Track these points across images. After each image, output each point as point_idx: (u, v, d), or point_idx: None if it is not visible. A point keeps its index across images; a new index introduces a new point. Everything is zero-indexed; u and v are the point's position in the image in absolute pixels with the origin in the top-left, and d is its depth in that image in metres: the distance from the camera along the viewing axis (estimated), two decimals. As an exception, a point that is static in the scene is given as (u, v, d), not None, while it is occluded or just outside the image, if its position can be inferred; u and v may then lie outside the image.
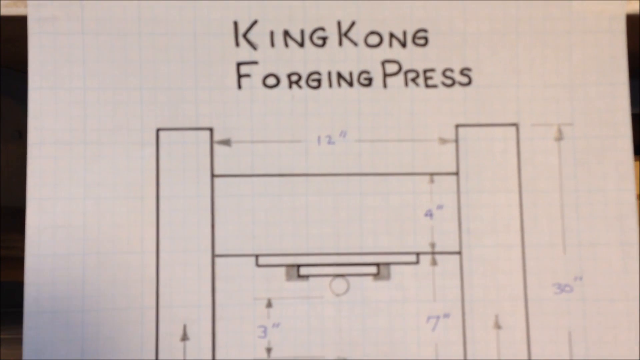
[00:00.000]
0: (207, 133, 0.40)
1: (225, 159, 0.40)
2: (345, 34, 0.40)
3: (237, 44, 0.40)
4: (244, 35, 0.40)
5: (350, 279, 0.39)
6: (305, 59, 0.40)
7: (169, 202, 0.39)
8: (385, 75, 0.40)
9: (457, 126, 0.40)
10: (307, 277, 0.39)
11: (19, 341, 0.38)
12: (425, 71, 0.40)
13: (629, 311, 0.39)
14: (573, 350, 0.38)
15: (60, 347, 0.37)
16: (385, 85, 0.40)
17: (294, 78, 0.40)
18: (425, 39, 0.40)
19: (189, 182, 0.39)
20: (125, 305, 0.38)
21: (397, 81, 0.40)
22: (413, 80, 0.40)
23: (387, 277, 0.39)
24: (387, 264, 0.39)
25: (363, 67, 0.40)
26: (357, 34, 0.40)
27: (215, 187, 0.40)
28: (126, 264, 0.38)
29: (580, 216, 0.39)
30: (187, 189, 0.39)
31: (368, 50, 0.40)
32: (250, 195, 0.40)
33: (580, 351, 0.38)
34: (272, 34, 0.40)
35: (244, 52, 0.40)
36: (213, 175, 0.40)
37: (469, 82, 0.40)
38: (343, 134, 0.40)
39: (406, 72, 0.40)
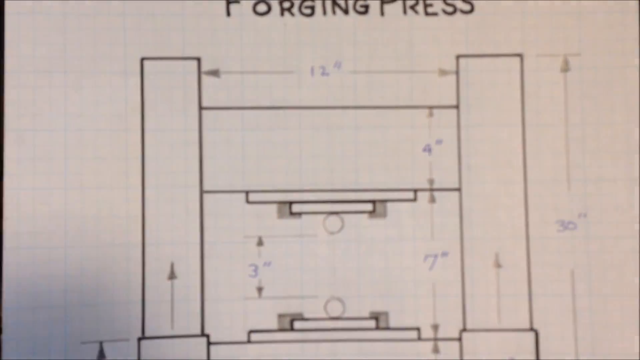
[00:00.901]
0: (195, 63, 0.38)
1: (213, 91, 0.38)
2: (341, -42, 0.38)
3: (226, -32, 0.38)
4: (233, -42, 0.38)
5: (345, 216, 0.38)
6: (298, -15, 0.38)
7: (155, 136, 0.37)
8: (383, 2, 0.38)
9: (458, 57, 0.38)
10: (299, 214, 0.38)
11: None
12: (425, -2, 0.38)
13: (634, 249, 0.37)
14: (575, 289, 0.37)
15: (42, 284, 0.36)
16: (382, 13, 0.38)
17: (286, 5, 0.38)
18: (426, -37, 0.38)
19: (175, 114, 0.37)
20: (110, 241, 0.37)
21: (395, 9, 0.38)
22: (412, 7, 0.38)
23: (383, 214, 0.38)
24: (384, 201, 0.38)
25: (359, -6, 0.38)
26: (353, -43, 0.38)
27: (203, 120, 0.38)
28: (110, 199, 0.37)
29: (586, 151, 0.38)
30: (173, 121, 0.37)
31: (365, -25, 0.38)
32: (240, 128, 0.38)
33: (583, 290, 0.37)
34: (262, -44, 0.38)
35: (233, -24, 0.38)
36: (201, 108, 0.38)
37: (472, 10, 0.38)
38: (338, 64, 0.38)
39: (405, -1, 0.38)
